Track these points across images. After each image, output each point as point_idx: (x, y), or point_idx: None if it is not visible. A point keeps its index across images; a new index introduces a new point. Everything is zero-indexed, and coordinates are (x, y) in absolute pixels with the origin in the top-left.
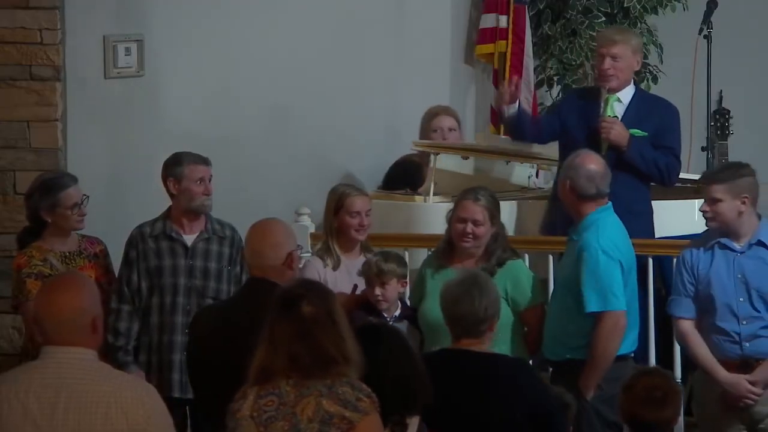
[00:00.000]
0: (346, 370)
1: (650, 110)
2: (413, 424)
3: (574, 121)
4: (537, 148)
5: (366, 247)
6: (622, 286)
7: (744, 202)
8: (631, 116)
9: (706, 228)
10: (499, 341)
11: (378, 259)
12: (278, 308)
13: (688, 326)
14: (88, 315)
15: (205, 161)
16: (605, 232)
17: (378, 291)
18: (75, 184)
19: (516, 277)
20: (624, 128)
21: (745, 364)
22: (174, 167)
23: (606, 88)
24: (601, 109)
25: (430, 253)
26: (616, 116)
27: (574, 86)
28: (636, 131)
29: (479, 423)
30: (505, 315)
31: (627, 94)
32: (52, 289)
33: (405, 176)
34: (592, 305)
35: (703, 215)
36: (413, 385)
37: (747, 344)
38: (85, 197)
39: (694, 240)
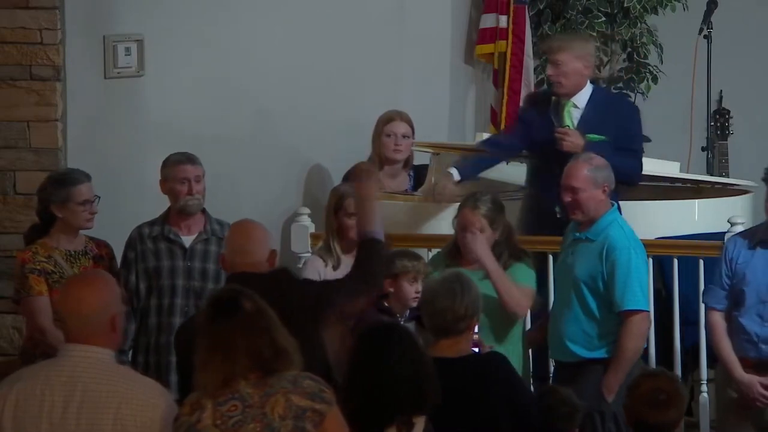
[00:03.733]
0: (297, 363)
1: (608, 111)
2: (420, 423)
3: (537, 126)
4: None
5: None
6: (648, 287)
7: None
8: (588, 120)
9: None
10: (514, 340)
11: (407, 259)
12: (218, 312)
13: (717, 317)
14: (108, 312)
15: (191, 160)
16: (629, 231)
17: (419, 288)
18: (88, 181)
19: (514, 276)
20: (578, 136)
21: (761, 365)
22: (162, 168)
23: (560, 96)
24: (558, 117)
25: (430, 252)
26: (569, 125)
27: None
28: (593, 136)
29: (465, 421)
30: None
31: (582, 97)
32: (73, 285)
33: None
34: (627, 303)
35: None
36: (424, 385)
37: (764, 346)
38: (96, 197)
39: (740, 233)
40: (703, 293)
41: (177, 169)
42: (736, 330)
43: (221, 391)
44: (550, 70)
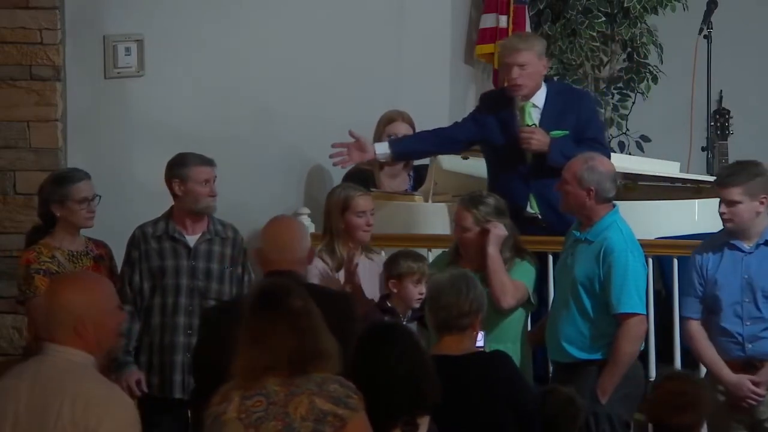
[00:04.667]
0: (334, 365)
1: (565, 105)
2: (423, 423)
3: (493, 128)
4: None
5: (368, 247)
6: (645, 290)
7: (762, 203)
8: (549, 117)
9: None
10: (513, 339)
11: (412, 260)
12: (264, 304)
13: (694, 326)
14: (71, 315)
15: (210, 162)
16: (628, 233)
17: (422, 289)
18: (87, 180)
19: (516, 266)
20: (544, 135)
21: (748, 365)
22: (179, 168)
23: (519, 98)
24: (518, 119)
25: (430, 252)
26: (534, 124)
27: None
28: (556, 133)
29: (467, 419)
30: (518, 314)
31: (540, 96)
32: (55, 281)
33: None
34: (623, 306)
35: (721, 216)
36: (424, 385)
37: (750, 345)
38: (96, 196)
39: (705, 241)
40: (679, 306)
41: (199, 171)
42: (718, 334)
43: (251, 383)
44: (514, 73)
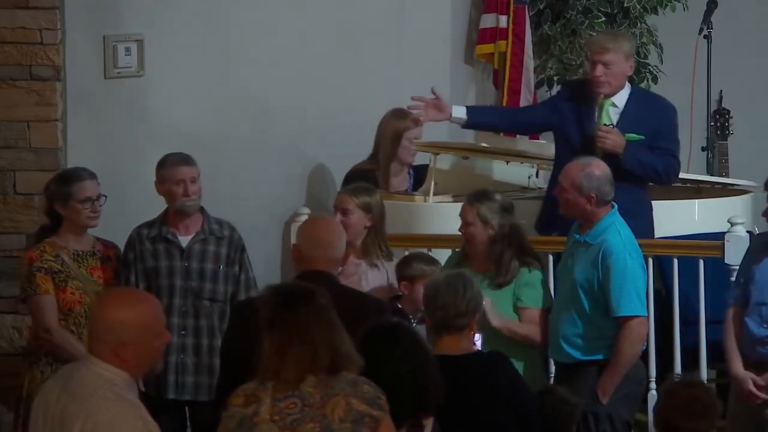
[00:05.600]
0: (357, 366)
1: (647, 111)
2: (428, 424)
3: (569, 118)
4: (536, 148)
5: (367, 249)
6: (645, 291)
7: None
8: (627, 119)
9: None
10: (512, 342)
11: (424, 263)
12: (294, 302)
13: (730, 314)
14: (114, 336)
15: (187, 161)
16: (626, 235)
17: None
18: (91, 179)
19: (525, 279)
20: (620, 136)
21: (759, 365)
22: (159, 169)
23: (601, 95)
24: (596, 115)
25: (429, 252)
26: (611, 123)
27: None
28: (632, 136)
29: (466, 418)
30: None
31: (622, 97)
32: (103, 295)
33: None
34: (623, 309)
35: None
36: (428, 385)
37: (761, 349)
38: (102, 196)
39: (764, 233)
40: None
41: (173, 171)
42: (742, 328)
43: (289, 384)
44: (597, 71)
